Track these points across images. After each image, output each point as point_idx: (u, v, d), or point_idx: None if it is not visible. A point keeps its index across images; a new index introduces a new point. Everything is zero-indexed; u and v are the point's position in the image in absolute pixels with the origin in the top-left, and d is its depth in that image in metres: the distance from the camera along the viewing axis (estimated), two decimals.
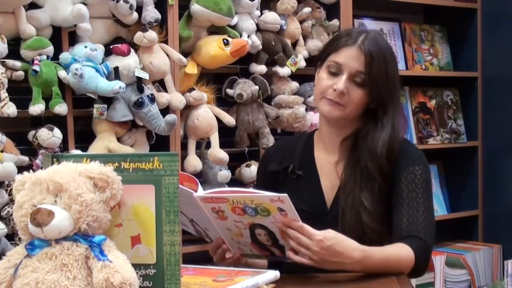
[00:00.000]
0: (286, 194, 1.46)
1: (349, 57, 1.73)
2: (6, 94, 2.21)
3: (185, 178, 1.56)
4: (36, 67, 2.25)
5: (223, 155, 2.63)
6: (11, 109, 2.20)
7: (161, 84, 2.59)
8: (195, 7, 2.58)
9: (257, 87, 2.74)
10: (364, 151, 1.75)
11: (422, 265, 1.67)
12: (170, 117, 2.46)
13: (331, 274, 1.63)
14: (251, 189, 1.58)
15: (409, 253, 1.64)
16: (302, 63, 2.88)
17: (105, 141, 2.41)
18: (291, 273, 1.61)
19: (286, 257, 1.59)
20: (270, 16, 2.82)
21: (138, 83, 2.44)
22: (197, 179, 1.58)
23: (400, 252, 1.64)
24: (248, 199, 1.47)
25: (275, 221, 1.50)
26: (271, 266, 1.71)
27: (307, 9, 2.94)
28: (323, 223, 1.65)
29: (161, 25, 2.54)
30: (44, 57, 2.29)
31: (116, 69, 2.40)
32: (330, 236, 1.54)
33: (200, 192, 1.53)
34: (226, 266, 1.70)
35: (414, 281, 3.23)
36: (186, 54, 2.64)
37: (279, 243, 1.57)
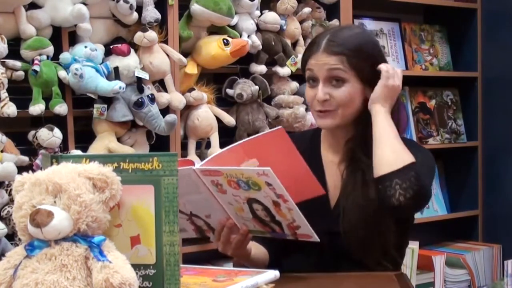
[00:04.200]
0: (269, 168, 1.45)
1: (318, 64, 1.73)
2: (6, 94, 2.21)
3: (180, 163, 1.55)
4: (36, 67, 2.25)
5: None
6: (11, 109, 2.20)
7: (161, 84, 2.60)
8: (195, 7, 2.58)
9: (257, 87, 2.74)
10: (362, 150, 1.75)
11: (412, 178, 1.62)
12: (170, 117, 2.46)
13: (331, 274, 1.63)
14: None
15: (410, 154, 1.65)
16: None
17: (105, 141, 2.42)
18: (291, 273, 1.61)
19: (286, 234, 1.59)
20: (270, 16, 2.82)
21: (138, 83, 2.44)
22: (193, 161, 1.57)
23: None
24: (239, 172, 1.47)
25: (267, 195, 1.50)
26: (271, 266, 1.71)
27: (307, 9, 2.94)
28: (326, 221, 1.65)
29: (161, 25, 2.55)
30: (44, 57, 2.29)
31: (116, 69, 2.40)
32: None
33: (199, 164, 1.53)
34: (230, 253, 1.68)
35: (414, 281, 3.24)
36: (186, 54, 2.64)
37: (276, 219, 1.57)
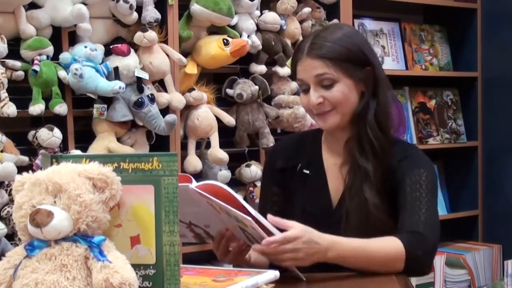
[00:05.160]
0: (250, 219, 1.44)
1: (305, 70, 1.72)
2: (6, 94, 2.21)
3: (179, 178, 1.55)
4: (36, 67, 2.25)
5: (223, 155, 2.63)
6: (11, 109, 2.20)
7: (161, 84, 2.59)
8: (195, 7, 2.58)
9: (257, 87, 2.74)
10: (360, 151, 1.75)
11: (419, 258, 1.61)
12: (170, 117, 2.46)
13: (331, 274, 1.62)
14: (234, 193, 1.56)
15: (395, 244, 1.59)
16: None
17: (105, 141, 2.41)
18: (291, 273, 1.61)
19: None
20: (270, 16, 2.82)
21: (138, 83, 2.44)
22: (191, 177, 1.57)
23: (383, 242, 1.60)
24: (227, 209, 1.46)
25: (253, 233, 1.50)
26: (272, 266, 1.70)
27: (307, 9, 2.94)
28: (327, 225, 1.63)
29: (161, 25, 2.55)
30: (44, 57, 2.29)
31: (116, 69, 2.40)
32: (302, 230, 1.51)
33: (195, 185, 1.52)
34: (229, 261, 1.68)
35: (414, 281, 3.23)
36: (186, 54, 2.64)
37: None
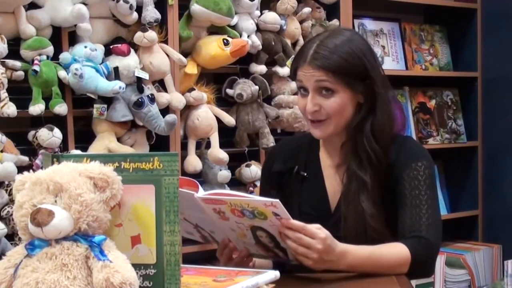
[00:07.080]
0: (278, 200, 1.45)
1: (306, 76, 1.71)
2: (6, 94, 2.21)
3: (185, 182, 1.55)
4: (36, 67, 2.25)
5: (223, 155, 2.63)
6: (11, 109, 2.20)
7: (161, 84, 2.59)
8: (195, 7, 2.58)
9: (257, 87, 2.74)
10: (354, 156, 1.74)
11: (423, 263, 1.65)
12: (170, 117, 2.46)
13: (331, 274, 1.62)
14: (244, 194, 1.57)
15: (402, 251, 1.62)
16: None
17: (105, 141, 2.41)
18: (291, 273, 1.61)
19: (290, 259, 1.59)
20: (270, 16, 2.82)
21: (138, 83, 2.44)
22: (197, 182, 1.57)
23: (390, 249, 1.62)
24: (245, 202, 1.47)
25: (273, 224, 1.50)
26: (276, 266, 1.70)
27: (307, 9, 2.94)
28: (326, 226, 1.64)
29: (161, 25, 2.55)
30: (44, 57, 2.29)
31: (116, 69, 2.40)
32: (327, 233, 1.53)
33: (201, 193, 1.53)
34: (234, 267, 1.69)
35: (414, 281, 3.23)
36: (186, 54, 2.64)
37: (281, 246, 1.56)
